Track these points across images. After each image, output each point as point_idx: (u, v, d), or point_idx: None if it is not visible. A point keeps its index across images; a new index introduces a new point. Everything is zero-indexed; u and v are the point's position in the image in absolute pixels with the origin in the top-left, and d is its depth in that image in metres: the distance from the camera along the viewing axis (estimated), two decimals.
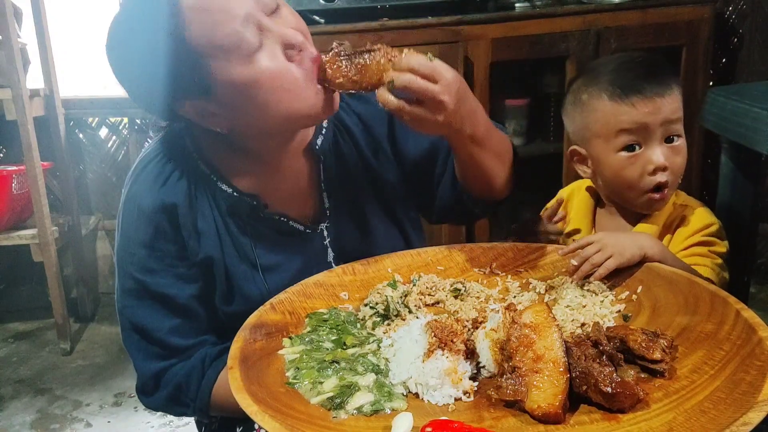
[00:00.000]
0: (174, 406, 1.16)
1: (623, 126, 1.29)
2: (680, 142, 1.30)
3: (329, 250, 1.22)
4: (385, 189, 1.26)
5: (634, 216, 1.37)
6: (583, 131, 1.36)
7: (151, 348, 1.14)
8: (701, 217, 1.32)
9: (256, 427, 1.12)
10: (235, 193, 1.14)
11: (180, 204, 1.11)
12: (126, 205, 1.14)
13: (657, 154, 1.28)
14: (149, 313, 1.12)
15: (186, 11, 0.95)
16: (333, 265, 1.22)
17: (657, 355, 0.86)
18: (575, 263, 1.13)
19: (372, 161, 1.25)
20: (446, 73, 0.99)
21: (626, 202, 1.36)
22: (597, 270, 1.11)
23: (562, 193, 1.53)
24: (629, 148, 1.30)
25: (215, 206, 1.14)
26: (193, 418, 1.36)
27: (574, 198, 1.49)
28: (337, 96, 1.06)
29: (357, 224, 1.24)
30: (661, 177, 1.29)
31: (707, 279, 1.21)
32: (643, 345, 0.87)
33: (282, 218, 1.17)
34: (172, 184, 1.12)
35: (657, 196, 1.30)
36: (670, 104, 1.27)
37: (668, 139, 1.29)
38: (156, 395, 1.16)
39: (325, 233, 1.21)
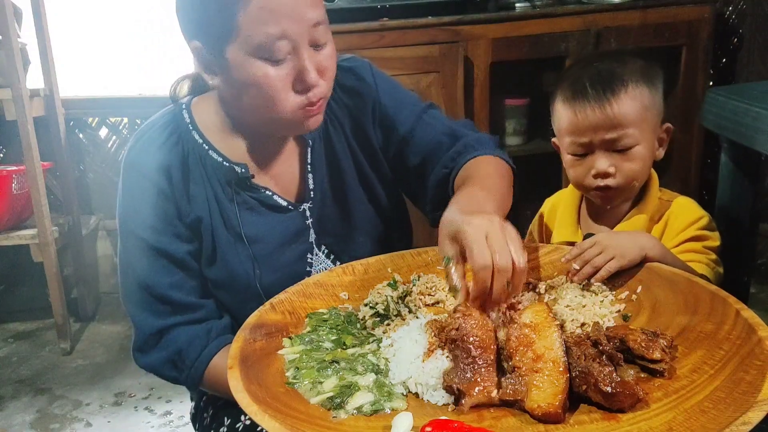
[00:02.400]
0: (169, 369, 1.18)
1: (569, 131, 1.32)
2: (633, 151, 1.29)
3: (311, 230, 1.26)
4: (370, 179, 1.30)
5: (618, 211, 1.38)
6: (553, 122, 1.40)
7: (153, 304, 1.17)
8: (690, 211, 1.33)
9: (242, 418, 1.17)
10: (224, 162, 1.20)
11: (174, 167, 1.18)
12: (127, 169, 1.19)
13: (600, 161, 1.30)
14: (152, 270, 1.16)
15: None
16: (315, 245, 1.26)
17: (657, 355, 0.86)
18: (577, 267, 1.13)
19: (359, 152, 1.29)
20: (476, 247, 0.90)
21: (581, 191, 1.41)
22: (598, 272, 1.11)
23: (548, 202, 1.54)
24: (577, 151, 1.33)
25: (206, 174, 1.20)
26: (190, 417, 1.37)
27: (558, 204, 1.50)
28: (314, 123, 1.14)
29: (340, 209, 1.28)
30: (602, 181, 1.31)
31: (703, 276, 1.21)
32: (643, 345, 0.87)
33: (267, 191, 1.23)
34: (169, 149, 1.19)
35: (601, 194, 1.34)
36: (615, 114, 1.27)
37: (618, 149, 1.30)
38: (154, 354, 1.18)
39: (308, 213, 1.26)
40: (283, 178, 1.26)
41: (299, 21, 1.04)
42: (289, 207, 1.24)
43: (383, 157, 1.31)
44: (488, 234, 0.90)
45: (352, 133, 1.29)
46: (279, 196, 1.24)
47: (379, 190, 1.31)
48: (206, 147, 1.20)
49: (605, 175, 1.30)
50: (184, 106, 1.23)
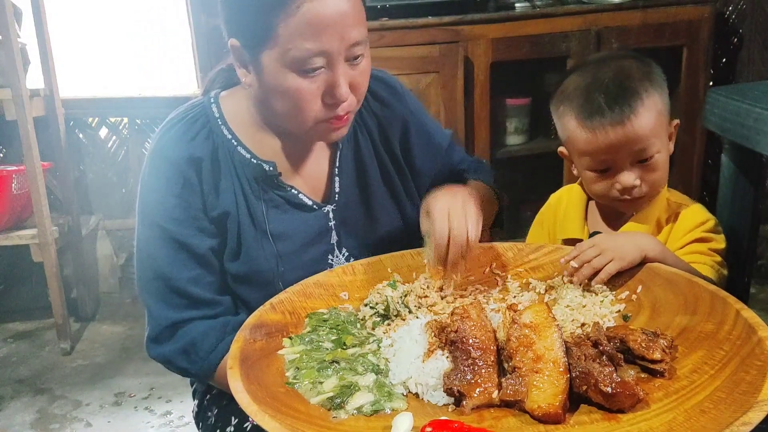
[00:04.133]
0: (182, 359, 1.17)
1: (589, 152, 1.29)
2: (655, 159, 1.28)
3: (333, 232, 1.26)
4: (395, 187, 1.32)
5: (625, 212, 1.38)
6: (563, 137, 1.37)
7: (171, 297, 1.17)
8: (696, 214, 1.32)
9: (250, 418, 1.13)
10: (252, 159, 1.20)
11: (205, 159, 1.18)
12: (155, 157, 1.19)
13: (625, 177, 1.28)
14: (171, 262, 1.16)
15: (305, 5, 1.02)
16: (336, 247, 1.26)
17: (657, 355, 0.86)
18: (575, 264, 1.12)
19: (386, 160, 1.31)
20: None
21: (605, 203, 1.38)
22: (598, 275, 1.10)
23: (554, 196, 1.53)
24: (598, 168, 1.30)
25: (234, 169, 1.20)
26: (193, 416, 1.36)
27: (564, 197, 1.49)
28: (338, 135, 1.17)
29: (363, 213, 1.29)
30: (630, 194, 1.29)
31: (706, 278, 1.21)
32: (643, 345, 0.87)
33: (294, 190, 1.23)
34: (200, 141, 1.19)
35: (627, 204, 1.32)
36: (637, 129, 1.24)
37: (641, 160, 1.28)
38: (168, 345, 1.17)
39: (331, 215, 1.26)
40: (310, 178, 1.26)
41: (340, 40, 1.04)
42: (314, 207, 1.25)
43: (406, 164, 1.33)
44: (450, 209, 1.10)
45: (380, 141, 1.31)
46: (305, 196, 1.24)
47: (403, 198, 1.32)
48: (235, 143, 1.20)
49: (632, 188, 1.29)
50: (212, 100, 1.23)
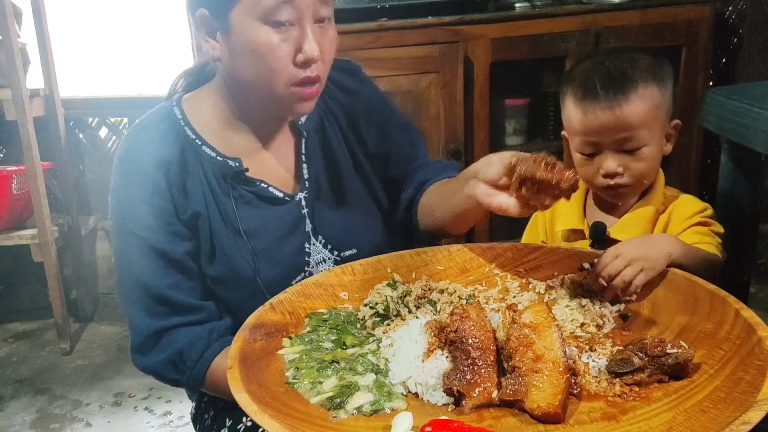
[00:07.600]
0: (170, 370, 1.16)
1: (580, 131, 1.32)
2: (642, 151, 1.29)
3: (307, 220, 1.26)
4: (366, 170, 1.33)
5: (625, 202, 1.39)
6: (563, 118, 1.39)
7: (152, 305, 1.15)
8: (693, 202, 1.35)
9: (243, 419, 1.15)
10: (218, 157, 1.20)
11: (173, 162, 1.18)
12: (122, 165, 1.18)
13: (608, 162, 1.30)
14: (150, 269, 1.15)
15: None
16: (311, 235, 1.26)
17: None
18: (603, 283, 1.06)
19: (355, 146, 1.32)
20: None
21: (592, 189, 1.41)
22: (629, 287, 1.05)
23: None
24: (585, 151, 1.33)
25: (201, 169, 1.20)
26: (191, 418, 1.36)
27: None
28: (307, 107, 1.15)
29: (336, 198, 1.29)
30: (612, 181, 1.31)
31: (713, 256, 1.22)
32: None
33: (262, 183, 1.23)
34: (167, 145, 1.18)
35: (610, 192, 1.34)
36: (626, 115, 1.26)
37: (627, 150, 1.29)
38: (153, 356, 1.16)
39: (303, 203, 1.26)
40: (278, 169, 1.26)
41: None
42: (285, 198, 1.24)
43: (369, 157, 1.34)
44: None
45: (349, 128, 1.31)
46: (274, 188, 1.24)
47: (374, 181, 1.33)
48: (199, 142, 1.20)
49: (614, 175, 1.30)
50: (174, 103, 1.23)
